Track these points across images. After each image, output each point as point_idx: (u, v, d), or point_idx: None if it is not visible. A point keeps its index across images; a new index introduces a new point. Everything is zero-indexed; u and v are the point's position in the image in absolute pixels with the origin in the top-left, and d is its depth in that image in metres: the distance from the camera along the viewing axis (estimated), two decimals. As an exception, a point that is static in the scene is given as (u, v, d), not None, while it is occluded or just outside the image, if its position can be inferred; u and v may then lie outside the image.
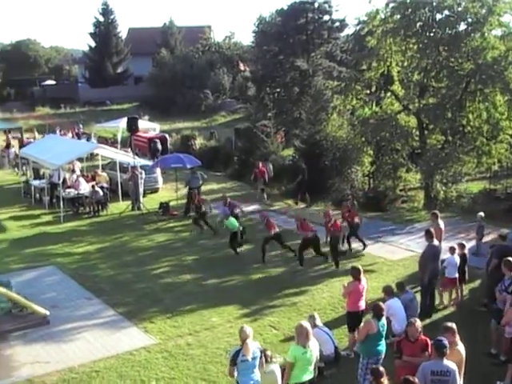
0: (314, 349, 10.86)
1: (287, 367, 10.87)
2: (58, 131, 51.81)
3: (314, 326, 13.38)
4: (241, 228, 23.43)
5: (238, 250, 22.90)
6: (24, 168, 38.22)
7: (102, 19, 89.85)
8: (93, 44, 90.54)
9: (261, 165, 32.97)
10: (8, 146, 47.55)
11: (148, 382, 13.46)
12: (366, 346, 12.09)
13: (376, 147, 32.80)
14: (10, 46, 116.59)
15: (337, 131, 33.35)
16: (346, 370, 13.32)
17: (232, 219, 23.05)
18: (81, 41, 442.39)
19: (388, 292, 14.67)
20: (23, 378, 13.81)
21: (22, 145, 44.18)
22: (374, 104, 34.04)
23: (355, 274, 14.12)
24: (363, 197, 30.76)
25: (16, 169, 41.82)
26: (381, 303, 12.43)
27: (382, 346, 12.13)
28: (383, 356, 12.14)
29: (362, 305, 14.23)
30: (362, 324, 13.12)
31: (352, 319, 14.22)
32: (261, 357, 10.96)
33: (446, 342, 10.10)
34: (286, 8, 59.06)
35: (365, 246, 22.77)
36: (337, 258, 21.06)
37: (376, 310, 12.02)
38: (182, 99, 73.53)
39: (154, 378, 13.57)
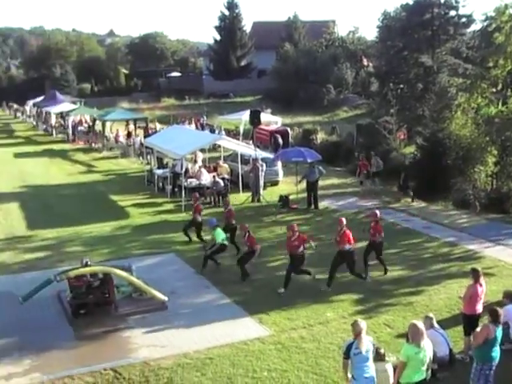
0: (427, 349, 10.78)
1: (399, 366, 10.85)
2: (193, 120, 53.30)
3: (431, 326, 13.27)
4: (226, 242, 20.94)
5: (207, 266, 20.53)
6: (148, 157, 39.33)
7: (227, 13, 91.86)
8: (218, 37, 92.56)
9: (361, 158, 33.54)
10: (129, 134, 49.15)
11: (260, 372, 13.65)
12: (481, 351, 11.86)
13: (501, 147, 31.84)
14: (138, 38, 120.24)
15: (460, 130, 32.58)
16: (460, 373, 13.11)
17: (219, 230, 20.91)
18: (206, 34, 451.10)
19: (509, 297, 14.37)
20: (140, 359, 14.30)
21: (146, 134, 45.49)
22: (499, 103, 33.06)
23: (475, 276, 13.90)
24: (485, 198, 29.98)
25: (141, 157, 43.09)
26: (498, 308, 12.18)
27: (497, 352, 11.89)
28: (497, 362, 11.92)
29: (480, 308, 13.95)
30: (478, 328, 12.88)
31: (469, 322, 13.96)
32: (373, 351, 10.95)
33: None
34: (411, 3, 58.28)
35: (386, 271, 20.08)
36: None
37: (494, 315, 11.78)
38: (305, 93, 73.67)
39: (266, 369, 13.76)
